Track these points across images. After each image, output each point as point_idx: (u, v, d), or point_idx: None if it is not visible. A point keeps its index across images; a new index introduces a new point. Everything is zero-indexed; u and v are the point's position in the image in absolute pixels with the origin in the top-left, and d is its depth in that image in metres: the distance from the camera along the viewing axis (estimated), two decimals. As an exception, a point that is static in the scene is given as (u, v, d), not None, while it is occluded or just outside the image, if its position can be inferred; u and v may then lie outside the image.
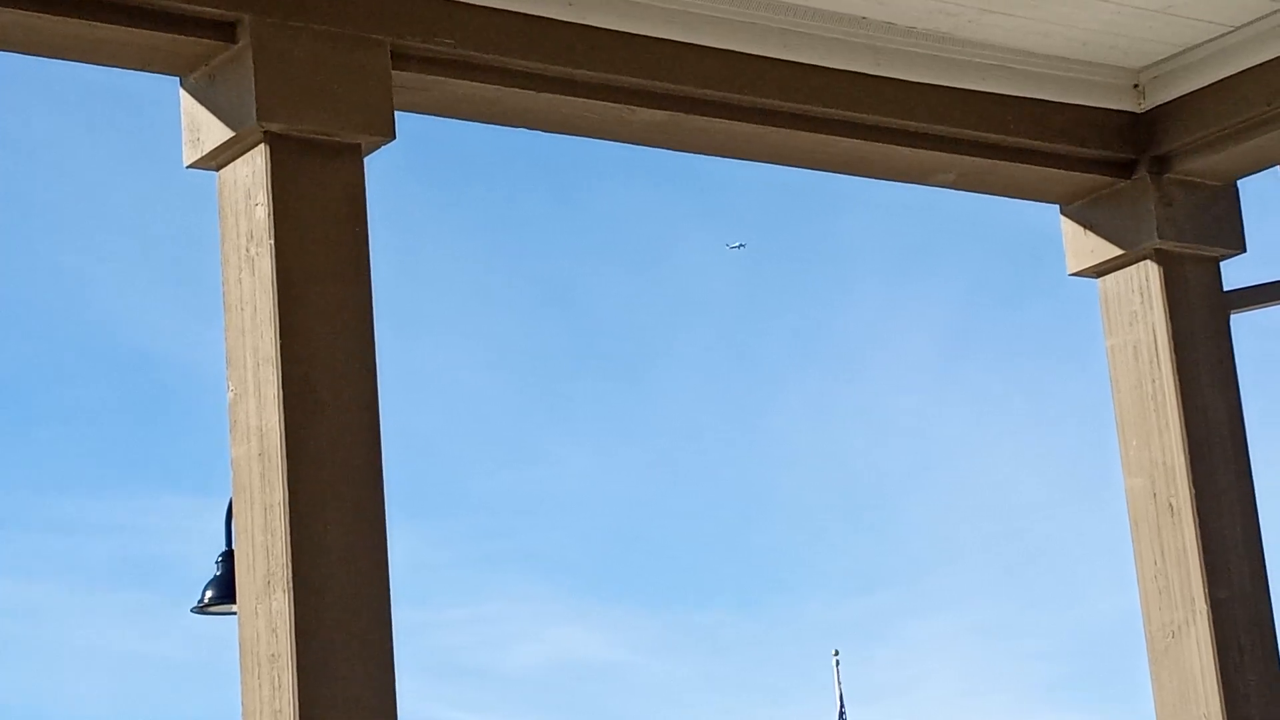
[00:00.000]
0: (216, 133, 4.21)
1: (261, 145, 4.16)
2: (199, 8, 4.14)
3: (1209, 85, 5.13)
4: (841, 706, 35.26)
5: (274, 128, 4.15)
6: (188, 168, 4.29)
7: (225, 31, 4.20)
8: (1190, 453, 5.07)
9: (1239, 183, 5.33)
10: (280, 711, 3.93)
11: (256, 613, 4.01)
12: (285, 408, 4.04)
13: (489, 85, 4.50)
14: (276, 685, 3.94)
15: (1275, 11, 4.98)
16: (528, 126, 4.69)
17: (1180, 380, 5.11)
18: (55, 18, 4.07)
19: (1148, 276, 5.19)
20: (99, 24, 4.10)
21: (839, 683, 35.76)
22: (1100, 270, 5.27)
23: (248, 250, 4.16)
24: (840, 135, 4.91)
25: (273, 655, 3.96)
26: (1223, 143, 5.13)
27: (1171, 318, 5.15)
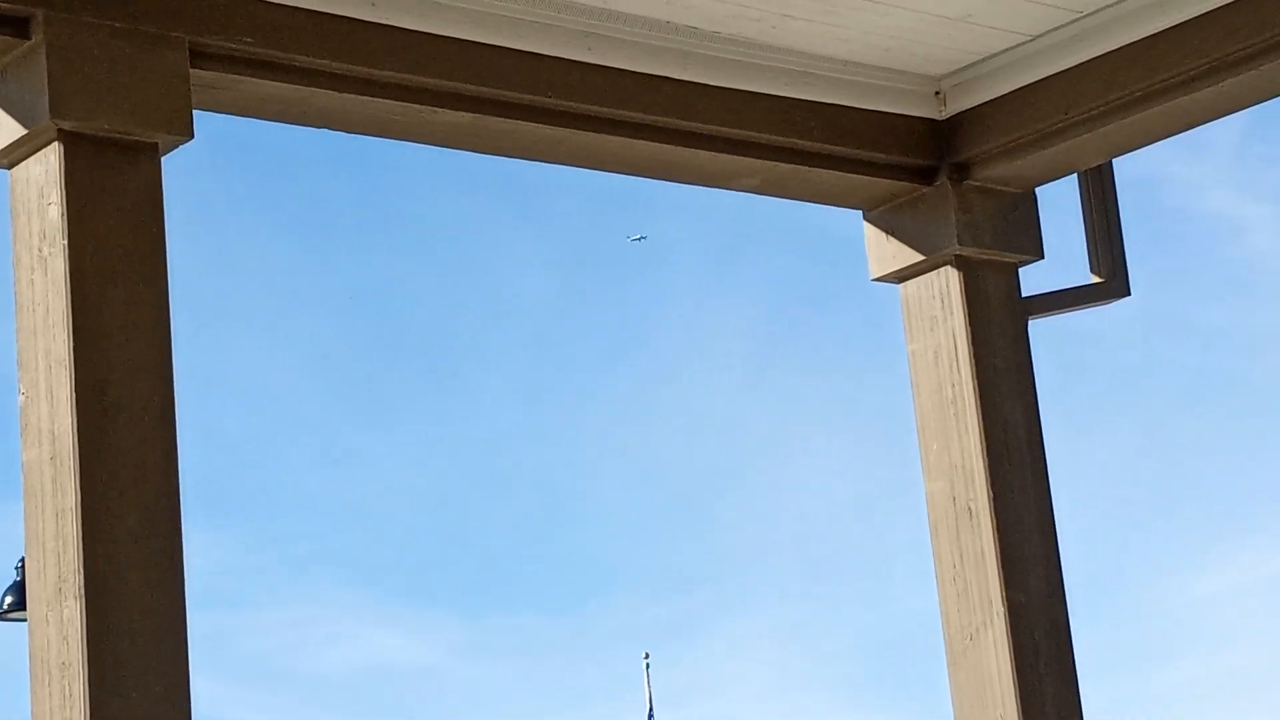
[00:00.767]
0: (8, 130, 4.13)
1: (55, 143, 4.08)
2: (-10, 2, 4.06)
3: (1008, 93, 5.19)
4: (651, 709, 35.35)
5: (68, 125, 4.08)
6: (-23, 165, 4.21)
7: (18, 27, 4.11)
8: (989, 457, 5.13)
9: (1037, 190, 5.40)
10: (71, 720, 3.86)
11: (47, 620, 3.93)
12: (78, 411, 3.97)
13: (290, 85, 4.45)
14: (67, 694, 3.87)
15: (1073, 21, 5.05)
16: (330, 127, 4.64)
17: (979, 385, 5.17)
18: None
19: (948, 282, 5.24)
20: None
21: (649, 685, 35.86)
22: (902, 276, 5.32)
23: (40, 250, 4.08)
24: (645, 139, 4.91)
25: (63, 663, 3.89)
26: (1021, 150, 5.19)
27: (971, 323, 5.20)
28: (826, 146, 5.13)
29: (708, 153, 4.99)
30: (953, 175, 5.27)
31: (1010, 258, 5.31)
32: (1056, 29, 5.07)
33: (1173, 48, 4.91)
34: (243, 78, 4.39)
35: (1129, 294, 5.43)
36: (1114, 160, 5.36)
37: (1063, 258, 5.44)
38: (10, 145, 4.13)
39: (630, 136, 4.89)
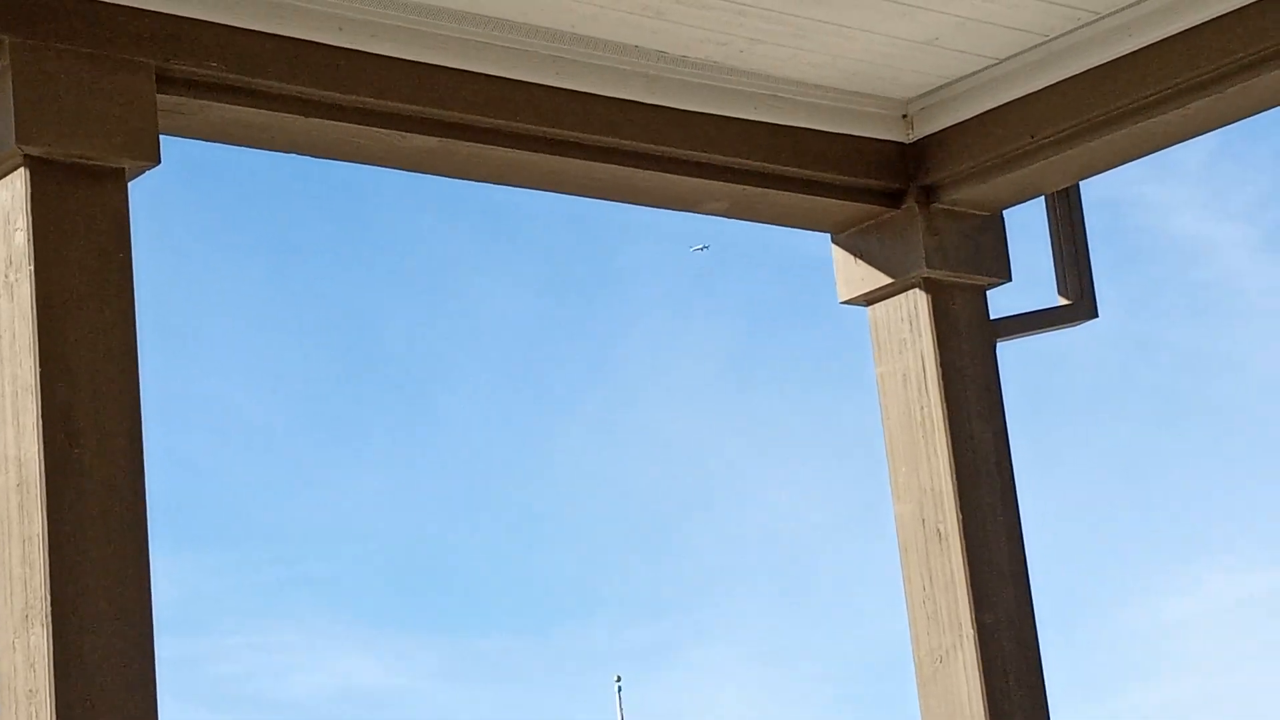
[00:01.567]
0: (-27, 156, 4.12)
1: (21, 169, 4.07)
2: (-44, 28, 4.05)
3: (975, 116, 5.20)
4: (623, 732, 35.28)
5: (34, 151, 4.07)
6: (-56, 192, 4.19)
7: (-16, 53, 4.10)
8: (958, 479, 5.13)
9: (1005, 212, 5.41)
10: (38, 748, 3.84)
11: (14, 647, 3.92)
12: (45, 437, 3.95)
13: (257, 109, 4.44)
14: (34, 721, 3.86)
15: (1039, 44, 5.06)
16: (297, 151, 4.64)
17: (948, 407, 5.17)
18: None
19: (916, 305, 5.24)
20: None
21: (621, 708, 35.81)
22: (870, 299, 5.33)
23: (6, 276, 4.07)
24: (613, 162, 4.91)
25: (30, 691, 3.87)
26: (988, 173, 5.21)
27: (940, 346, 5.21)
28: (794, 170, 5.14)
29: (676, 176, 4.99)
30: (920, 198, 5.28)
31: (978, 280, 5.32)
32: (1023, 52, 5.09)
33: (1138, 72, 4.93)
34: (210, 103, 4.38)
35: (1097, 315, 5.45)
36: (1081, 182, 5.38)
37: (1031, 280, 5.45)
38: (-24, 171, 4.12)
39: (598, 160, 4.89)
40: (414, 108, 4.61)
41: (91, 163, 4.13)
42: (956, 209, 5.30)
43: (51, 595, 3.88)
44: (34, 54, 4.10)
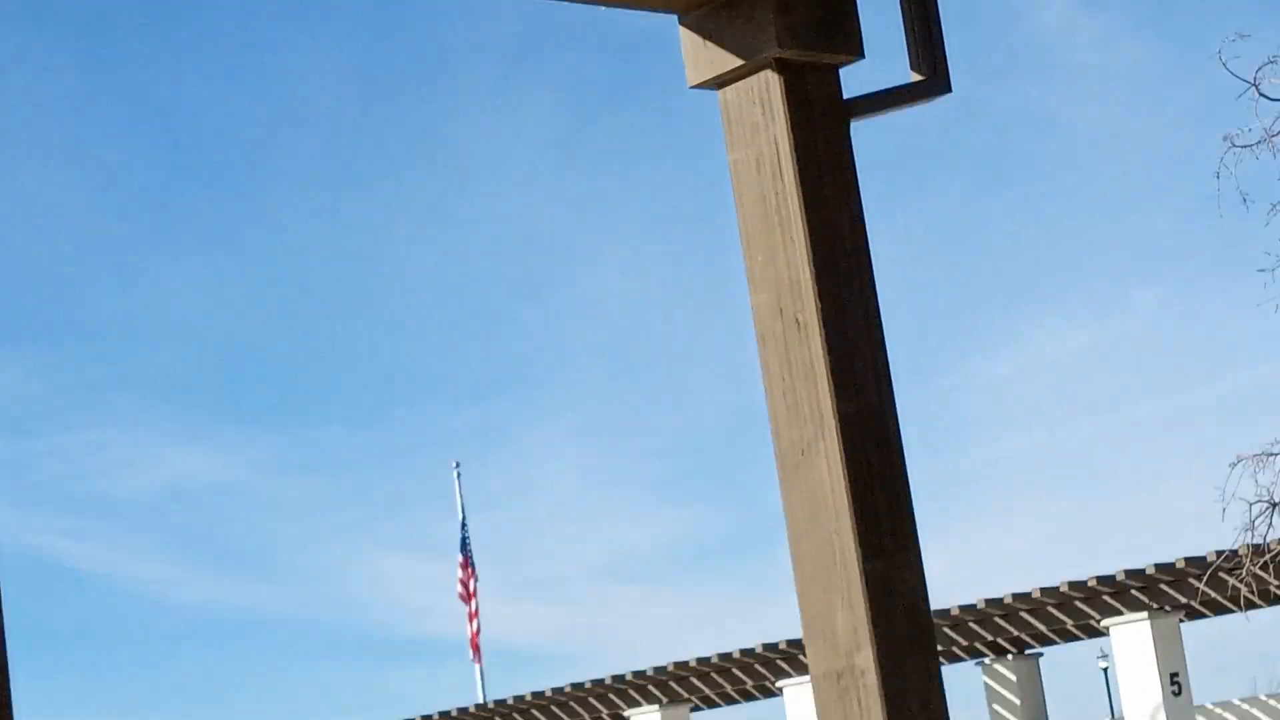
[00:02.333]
0: None
1: None
2: None
3: (826, -113, 4.98)
4: (463, 515, 35.33)
5: None
6: None
7: None
8: (816, 267, 4.97)
9: (857, -13, 5.21)
10: None
11: None
12: None
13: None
14: None
15: None
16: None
17: (804, 193, 4.99)
18: None
19: (768, 86, 5.04)
20: None
21: (460, 493, 35.81)
22: (721, 81, 5.12)
23: None
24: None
25: None
26: (841, -53, 5.00)
27: (793, 128, 5.01)
28: (639, -52, 4.90)
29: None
30: (770, -25, 5.05)
31: (831, 59, 5.13)
32: None
33: None
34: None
35: (950, 90, 5.29)
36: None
37: (884, 57, 5.26)
38: None
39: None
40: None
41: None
42: (808, -15, 5.09)
43: None
44: None
